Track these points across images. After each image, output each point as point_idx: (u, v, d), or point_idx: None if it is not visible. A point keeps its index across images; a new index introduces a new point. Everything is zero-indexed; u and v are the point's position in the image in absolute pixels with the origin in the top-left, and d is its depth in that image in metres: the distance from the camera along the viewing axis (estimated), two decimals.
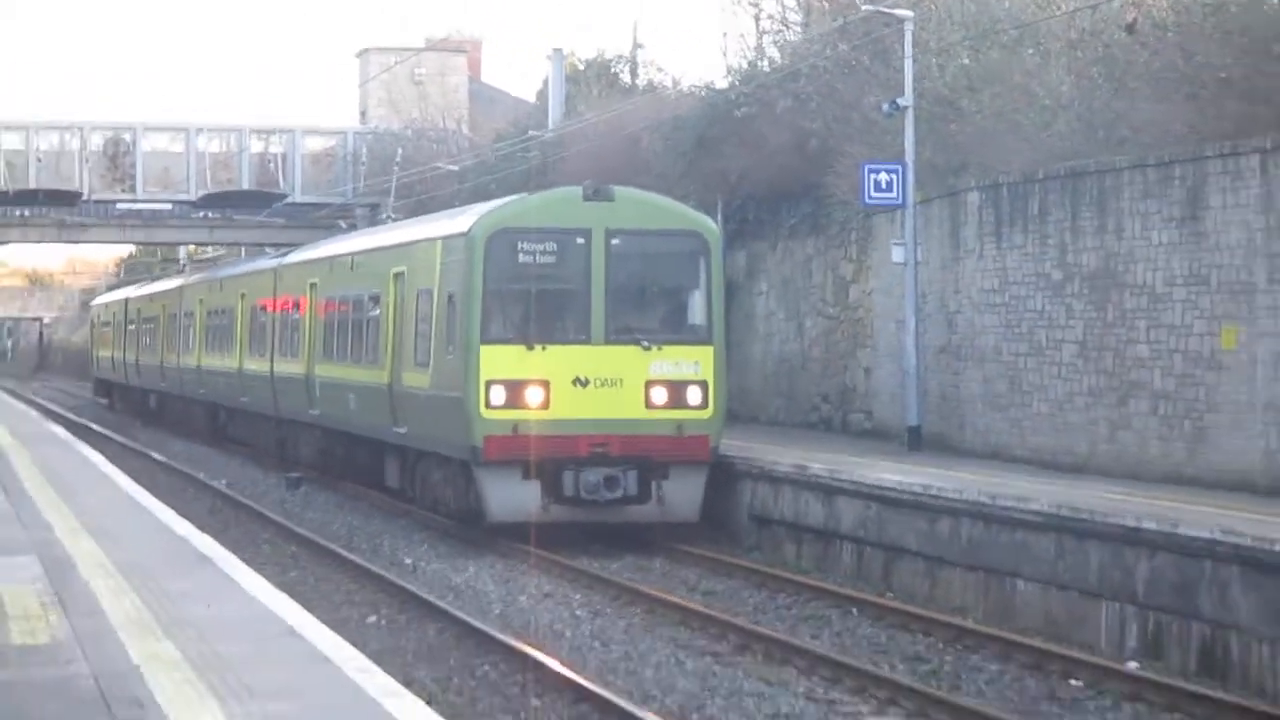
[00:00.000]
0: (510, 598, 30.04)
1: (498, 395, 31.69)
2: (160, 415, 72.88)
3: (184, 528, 27.34)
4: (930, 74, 40.50)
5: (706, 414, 32.58)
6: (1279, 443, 30.06)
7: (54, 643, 16.96)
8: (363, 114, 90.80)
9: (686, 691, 23.12)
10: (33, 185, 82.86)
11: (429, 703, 15.07)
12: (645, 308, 33.02)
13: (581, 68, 79.66)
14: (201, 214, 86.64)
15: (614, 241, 32.29)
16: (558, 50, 78.86)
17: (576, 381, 31.96)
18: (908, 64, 39.16)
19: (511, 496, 31.87)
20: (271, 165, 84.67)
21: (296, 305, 49.51)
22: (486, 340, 31.88)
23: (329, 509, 42.47)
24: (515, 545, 33.19)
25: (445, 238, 35.06)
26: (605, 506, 32.09)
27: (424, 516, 39.26)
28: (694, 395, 32.33)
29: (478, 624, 26.75)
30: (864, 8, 45.18)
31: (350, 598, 29.72)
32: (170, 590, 20.58)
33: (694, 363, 32.46)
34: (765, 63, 58.80)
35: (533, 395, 31.80)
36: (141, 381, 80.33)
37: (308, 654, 16.55)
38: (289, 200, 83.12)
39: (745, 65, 59.80)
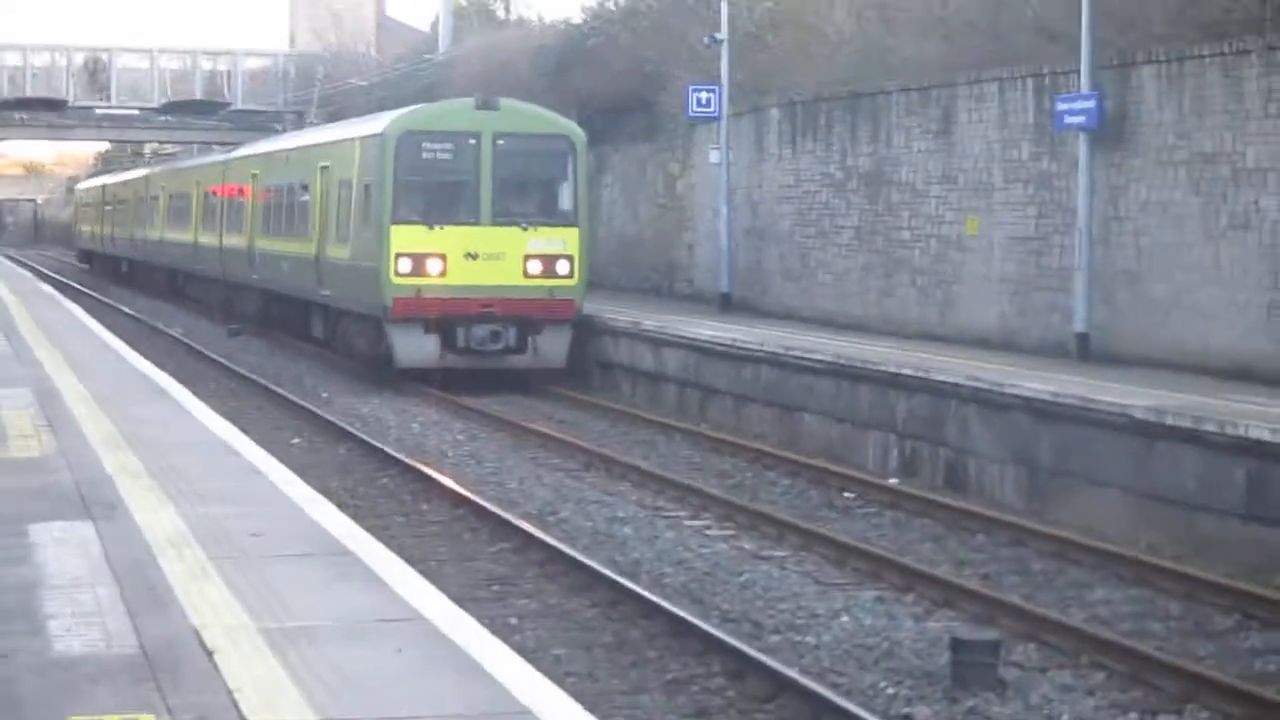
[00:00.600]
0: (405, 425, 30.28)
1: (404, 265, 32.02)
2: (130, 278, 72.21)
3: (146, 366, 27.20)
4: (742, 14, 40.63)
5: (572, 282, 33.12)
6: (1010, 308, 30.44)
7: (44, 456, 16.96)
8: (291, 39, 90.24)
9: (543, 500, 23.52)
10: (29, 94, 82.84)
11: (340, 507, 15.03)
12: (524, 196, 33.40)
13: (465, 4, 79.27)
14: (163, 118, 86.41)
15: (499, 142, 32.70)
16: None
17: (468, 255, 32.28)
18: (724, 6, 39.23)
19: (415, 347, 32.35)
20: (219, 80, 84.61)
21: (241, 191, 49.24)
22: (396, 221, 32.31)
23: (262, 354, 42.44)
24: (415, 386, 33.63)
25: (363, 138, 35.13)
26: (490, 356, 32.64)
27: (341, 362, 39.06)
28: (562, 267, 32.91)
29: (378, 444, 27.30)
30: None
31: (278, 424, 29.82)
32: (135, 416, 20.53)
33: (562, 240, 33.11)
34: (611, 2, 58.82)
35: (433, 265, 32.12)
36: (115, 251, 79.61)
37: (244, 468, 16.59)
38: (233, 108, 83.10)
39: (595, 4, 59.88)
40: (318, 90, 79.18)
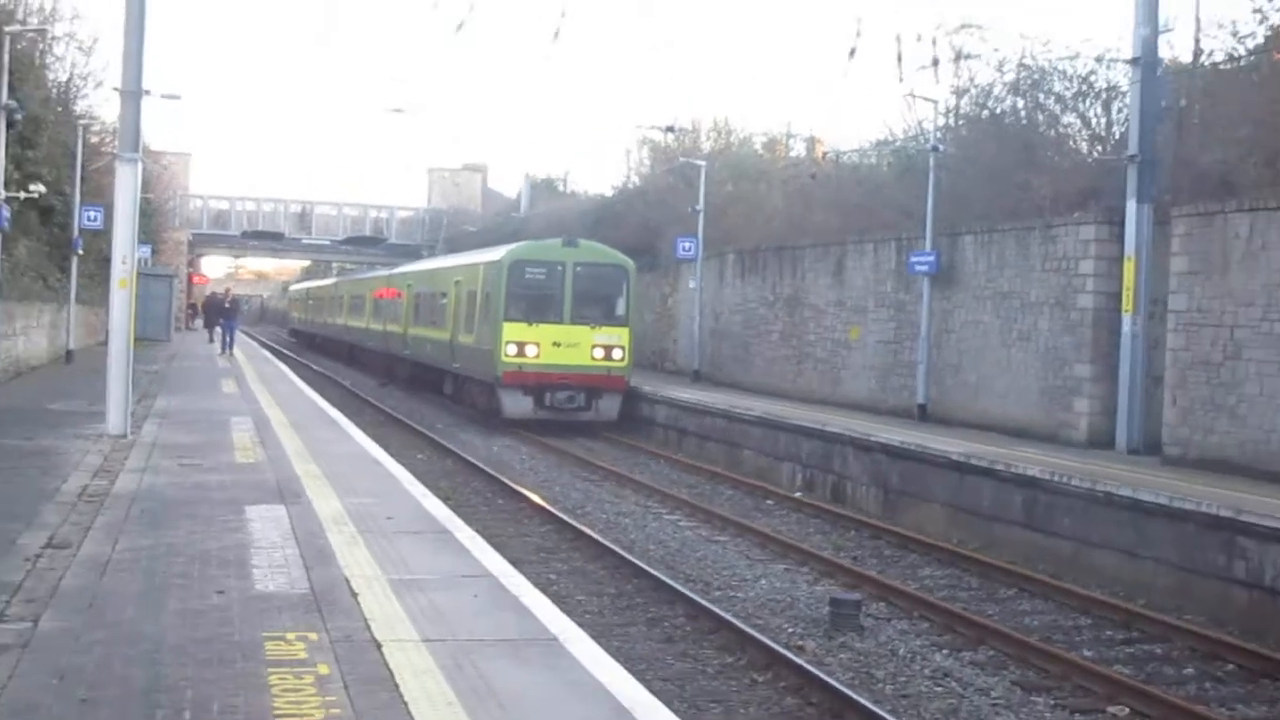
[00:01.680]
0: (493, 451, 29.69)
1: (512, 349, 32.06)
2: (321, 349, 72.08)
3: (325, 405, 27.19)
4: (712, 195, 40.55)
5: (624, 364, 33.10)
6: (876, 386, 30.51)
7: (257, 462, 16.96)
8: (428, 199, 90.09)
9: (576, 500, 23.26)
10: (260, 229, 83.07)
11: (443, 500, 15.02)
12: (593, 305, 33.18)
13: (539, 180, 79.57)
14: (345, 247, 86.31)
15: (577, 268, 32.91)
16: (526, 174, 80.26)
17: (554, 344, 32.22)
18: (701, 189, 39.33)
19: (517, 404, 32.51)
20: (381, 224, 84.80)
21: (398, 295, 48.81)
22: (507, 319, 32.35)
23: (403, 401, 42.01)
24: (508, 427, 33.27)
25: (486, 263, 35.23)
26: (567, 411, 32.63)
27: (461, 410, 38.31)
28: (617, 354, 32.82)
29: (472, 460, 26.85)
30: (680, 160, 45.50)
31: (408, 445, 29.27)
32: (316, 436, 20.55)
33: (618, 335, 32.98)
34: (630, 181, 58.98)
35: (530, 350, 32.06)
36: (312, 330, 78.63)
37: (383, 473, 16.62)
38: (389, 242, 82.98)
39: (621, 183, 60.19)
40: (444, 233, 79.78)
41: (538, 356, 31.98)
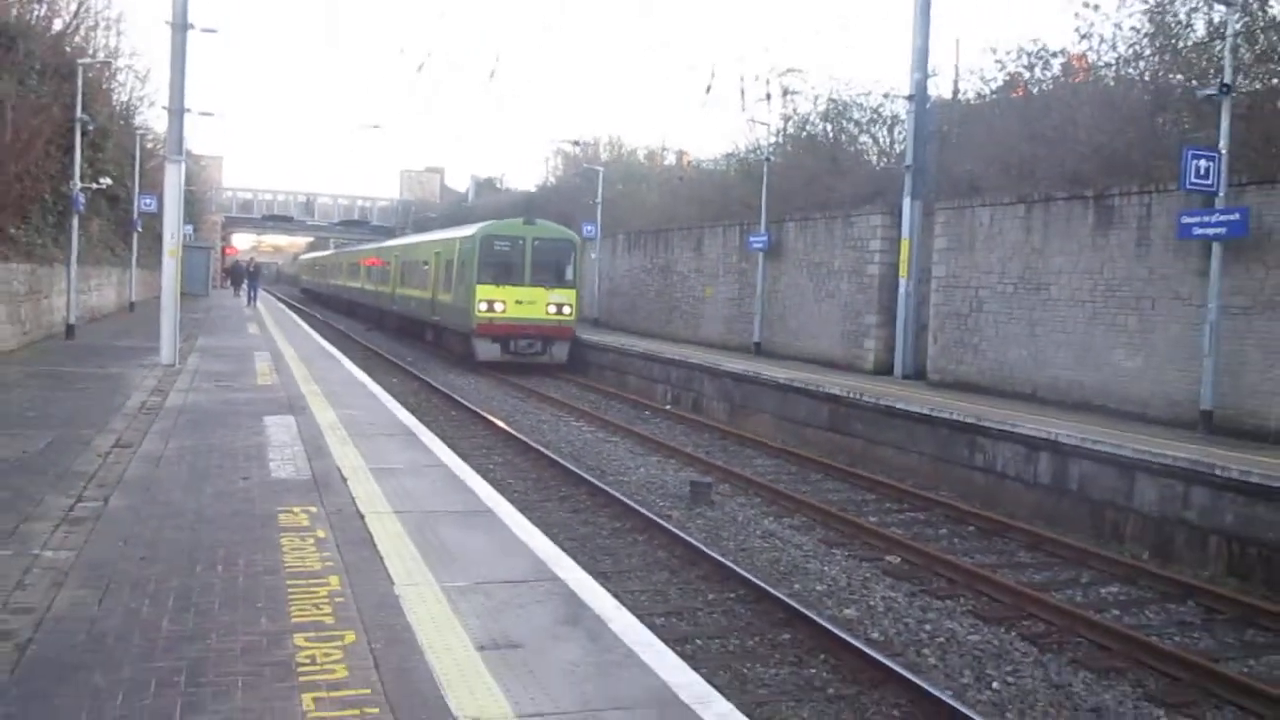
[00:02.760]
0: (451, 381, 28.97)
1: (483, 306, 30.04)
2: (325, 303, 69.71)
3: (325, 343, 26.84)
4: (608, 190, 40.30)
5: (571, 318, 31.15)
6: (725, 330, 30.59)
7: (272, 384, 16.74)
8: (400, 192, 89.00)
9: (507, 412, 22.98)
10: (275, 214, 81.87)
11: (411, 411, 14.94)
12: (548, 271, 30.81)
13: (482, 179, 78.74)
14: (339, 228, 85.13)
15: (535, 242, 30.78)
16: (472, 174, 79.54)
17: (517, 301, 30.25)
18: (599, 187, 39.04)
19: (487, 350, 30.51)
20: (367, 211, 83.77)
21: (387, 264, 46.61)
22: (480, 282, 30.15)
23: (386, 342, 41.35)
24: (485, 371, 31.13)
25: (461, 238, 33.08)
26: (528, 355, 30.74)
27: (436, 353, 36.71)
28: (566, 309, 30.87)
29: (434, 384, 26.51)
30: (584, 165, 45.20)
31: (389, 374, 28.73)
32: (317, 365, 20.30)
33: (567, 295, 30.98)
34: (549, 181, 58.54)
35: (499, 306, 30.10)
36: (318, 290, 75.47)
37: (367, 393, 16.47)
38: (372, 224, 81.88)
39: (542, 181, 59.71)
40: (411, 218, 78.71)
41: (504, 311, 30.20)
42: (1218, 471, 12.20)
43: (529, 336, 30.57)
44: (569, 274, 31.37)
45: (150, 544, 7.04)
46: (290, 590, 6.11)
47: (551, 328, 30.75)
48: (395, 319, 44.76)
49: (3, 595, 5.94)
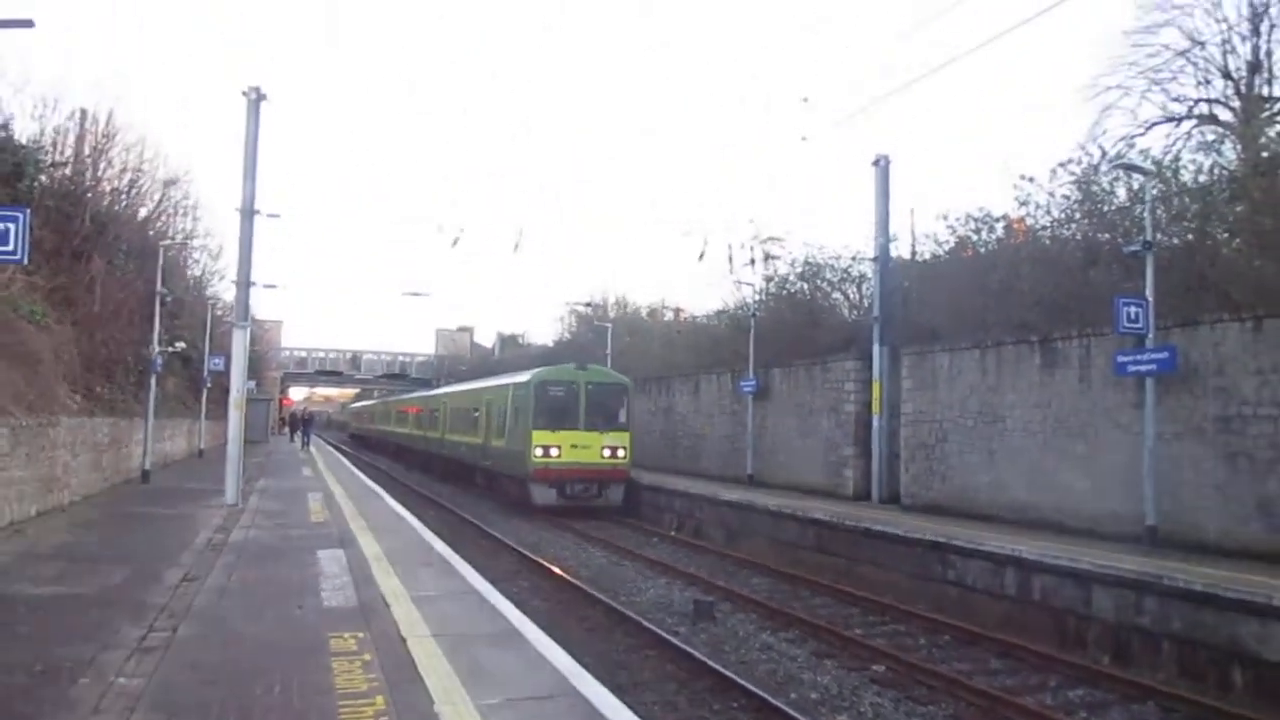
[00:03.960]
0: (497, 518, 28.44)
1: (539, 451, 26.84)
2: (374, 448, 67.56)
3: (370, 482, 26.75)
4: (615, 343, 40.49)
5: (625, 461, 27.62)
6: (721, 464, 30.35)
7: (325, 520, 16.64)
8: (435, 348, 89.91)
9: (533, 541, 22.61)
10: (326, 369, 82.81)
11: (448, 544, 14.67)
12: (601, 415, 27.58)
13: (506, 336, 79.58)
14: (382, 380, 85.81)
15: (589, 386, 27.70)
16: (498, 332, 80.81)
17: (573, 446, 27.08)
18: (609, 340, 39.29)
19: (544, 495, 26.94)
20: (408, 365, 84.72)
21: (435, 410, 43.80)
22: (536, 427, 27.00)
23: (424, 481, 41.07)
24: (495, 499, 30.71)
25: (515, 384, 29.88)
26: (584, 499, 27.19)
27: (469, 491, 35.29)
28: (620, 452, 27.49)
29: (467, 517, 26.19)
30: (595, 322, 45.64)
31: (425, 508, 27.98)
32: (364, 503, 20.17)
33: (621, 438, 27.65)
34: (564, 336, 58.96)
35: (554, 451, 26.91)
36: (367, 435, 74.15)
37: (408, 527, 16.35)
38: (410, 377, 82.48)
39: (559, 336, 60.18)
40: (445, 370, 79.20)
41: (560, 456, 27.03)
42: (1165, 581, 11.98)
43: (585, 480, 27.39)
44: (622, 417, 28.33)
45: (214, 669, 6.90)
46: (341, 710, 5.97)
47: (607, 471, 27.55)
48: (443, 463, 41.15)
49: None
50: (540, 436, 27.00)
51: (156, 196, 31.38)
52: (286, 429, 63.60)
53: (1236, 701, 10.51)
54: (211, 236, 41.91)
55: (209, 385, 36.87)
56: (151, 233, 29.69)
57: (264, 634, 7.99)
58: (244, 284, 19.48)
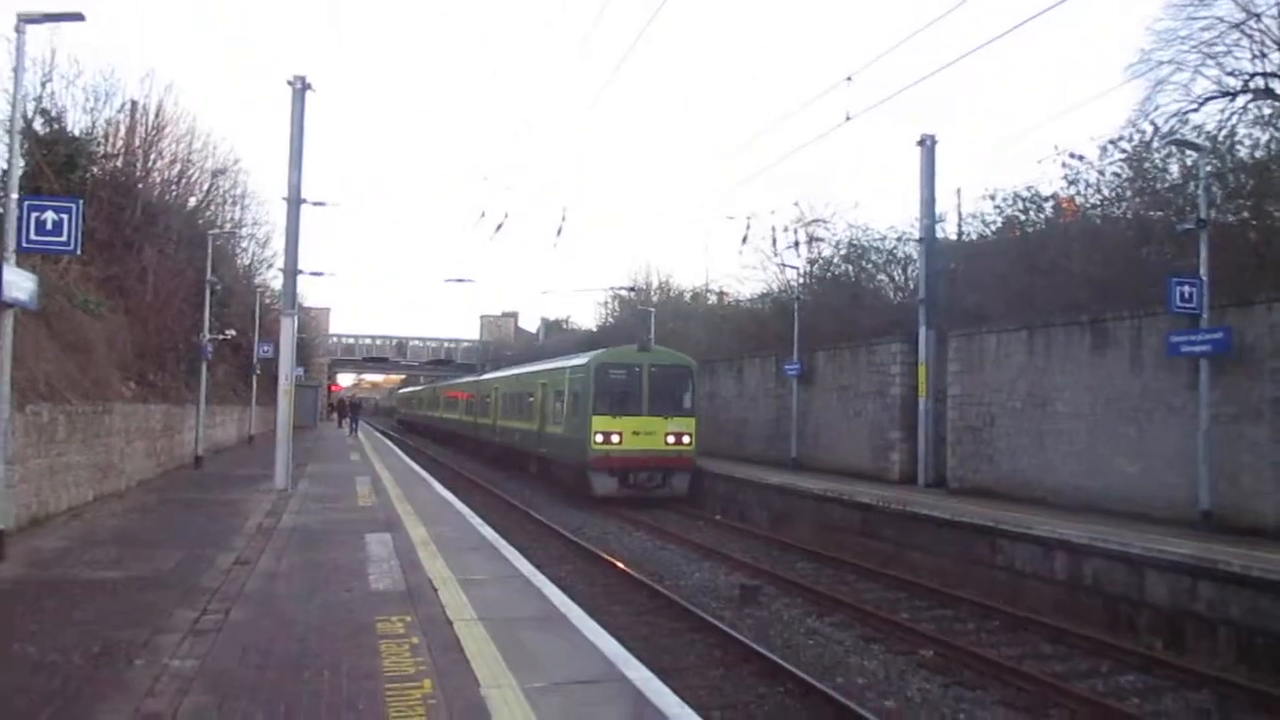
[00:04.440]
0: (542, 501, 28.33)
1: (599, 438, 25.18)
2: (421, 433, 67.80)
3: (416, 468, 26.97)
4: (659, 327, 40.33)
5: (691, 448, 26.00)
6: (766, 447, 30.19)
7: (373, 505, 16.79)
8: (480, 335, 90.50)
9: (577, 524, 22.63)
10: (373, 355, 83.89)
11: (494, 528, 14.75)
12: (665, 399, 25.87)
13: (551, 320, 79.89)
14: (428, 366, 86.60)
15: (652, 369, 25.88)
16: (542, 317, 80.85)
17: (635, 432, 25.40)
18: (652, 325, 39.09)
19: (605, 484, 25.34)
20: (453, 351, 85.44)
21: (487, 396, 41.81)
22: (596, 413, 25.27)
23: (471, 465, 41.25)
24: (541, 482, 30.29)
25: (572, 367, 27.97)
26: (647, 489, 25.58)
27: (508, 471, 35.49)
28: (685, 439, 25.85)
29: (514, 502, 26.33)
30: (639, 307, 45.49)
31: (472, 493, 28.05)
32: (411, 488, 20.35)
33: (686, 424, 25.98)
34: (607, 321, 58.88)
35: (615, 438, 25.26)
36: (415, 422, 73.93)
37: (454, 511, 16.46)
38: (456, 363, 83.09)
39: (602, 320, 60.12)
40: (490, 356, 79.59)
41: (621, 443, 25.41)
42: (1221, 566, 11.73)
43: (648, 469, 25.80)
44: (687, 401, 26.61)
45: (265, 652, 6.97)
46: (388, 693, 6.00)
47: (671, 459, 25.97)
48: (495, 449, 39.41)
49: (134, 702, 5.88)
50: (600, 422, 25.56)
51: (205, 186, 31.85)
52: (334, 415, 64.38)
53: None
54: (260, 225, 42.40)
55: (258, 372, 37.38)
56: (201, 222, 30.11)
57: (313, 617, 8.06)
58: (291, 272, 19.68)
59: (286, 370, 19.53)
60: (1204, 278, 15.12)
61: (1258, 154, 18.06)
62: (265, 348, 33.85)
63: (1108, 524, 15.27)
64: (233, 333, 30.37)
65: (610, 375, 26.02)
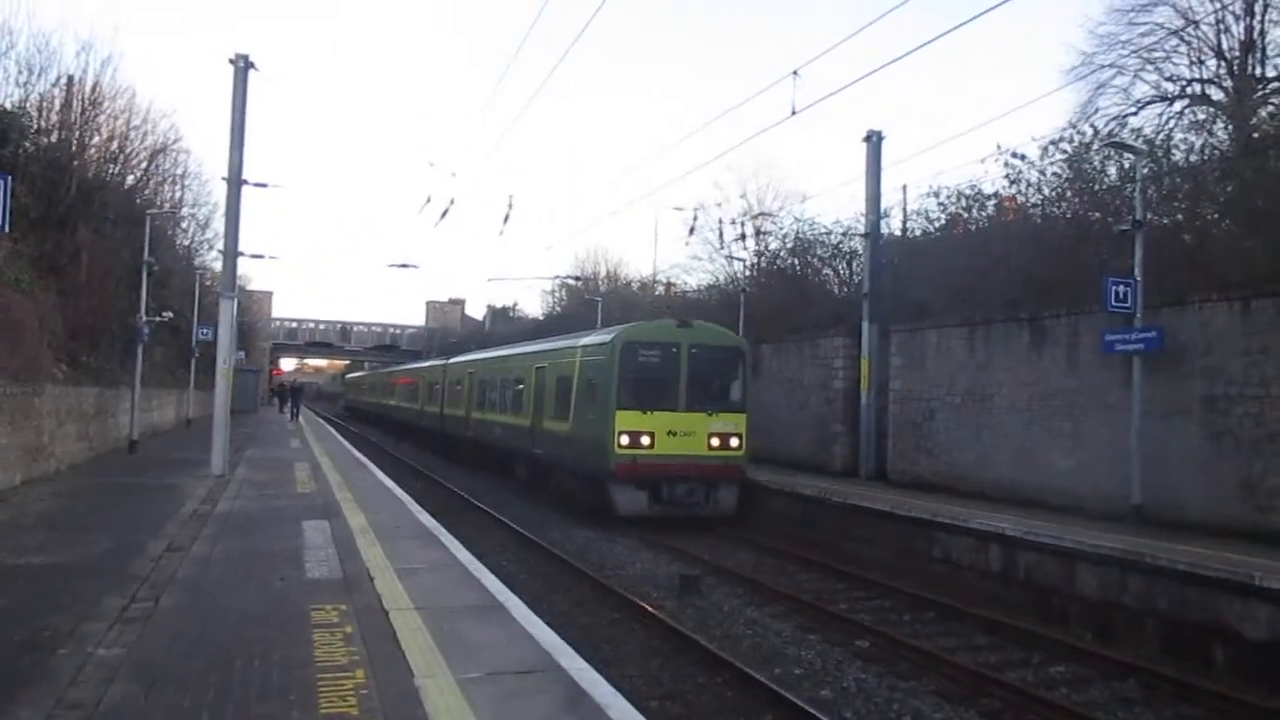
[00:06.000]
0: (483, 489, 27.61)
1: (624, 439, 19.62)
2: (374, 422, 62.39)
3: (358, 454, 26.67)
4: (606, 318, 40.04)
5: (740, 453, 20.50)
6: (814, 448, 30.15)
7: (312, 492, 16.60)
8: (426, 321, 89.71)
9: (516, 512, 21.97)
10: (317, 340, 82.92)
11: (432, 514, 14.58)
12: (710, 389, 20.64)
13: (498, 309, 79.31)
14: (372, 352, 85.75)
15: (693, 351, 20.34)
16: (489, 304, 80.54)
17: (670, 433, 19.92)
18: (599, 316, 38.89)
19: (631, 500, 19.91)
20: (398, 337, 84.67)
21: (458, 382, 34.57)
22: (620, 408, 19.70)
23: (413, 452, 40.89)
24: (480, 469, 28.52)
25: (587, 346, 21.81)
26: (687, 506, 20.10)
27: (450, 455, 34.07)
28: (733, 441, 20.36)
29: (453, 489, 25.92)
30: (586, 296, 45.34)
31: (413, 480, 27.70)
32: (351, 474, 20.12)
33: (734, 423, 20.43)
34: (554, 310, 58.65)
35: (644, 440, 19.76)
36: (366, 408, 68.67)
37: (394, 498, 16.32)
38: (401, 349, 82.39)
39: (549, 310, 59.78)
40: (435, 342, 78.96)
41: (652, 446, 19.90)
42: (1149, 560, 12.01)
43: (687, 480, 20.22)
44: (736, 392, 21.11)
45: (195, 641, 6.85)
46: (320, 682, 5.92)
47: (716, 467, 20.36)
48: (469, 448, 32.26)
49: (57, 691, 5.74)
50: (626, 419, 19.95)
51: (144, 164, 31.13)
52: (276, 399, 63.54)
53: (1217, 678, 10.55)
54: (200, 206, 41.62)
55: (197, 355, 36.77)
56: (139, 201, 29.43)
57: (246, 605, 7.93)
58: (231, 254, 19.33)
59: (225, 354, 19.21)
60: (1138, 278, 15.46)
61: (1192, 158, 18.47)
62: (205, 331, 33.28)
63: (1043, 517, 15.56)
64: (170, 315, 29.80)
65: (639, 358, 20.44)
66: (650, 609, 12.64)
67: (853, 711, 9.30)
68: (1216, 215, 18.12)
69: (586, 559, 16.71)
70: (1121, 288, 15.48)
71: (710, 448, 20.29)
